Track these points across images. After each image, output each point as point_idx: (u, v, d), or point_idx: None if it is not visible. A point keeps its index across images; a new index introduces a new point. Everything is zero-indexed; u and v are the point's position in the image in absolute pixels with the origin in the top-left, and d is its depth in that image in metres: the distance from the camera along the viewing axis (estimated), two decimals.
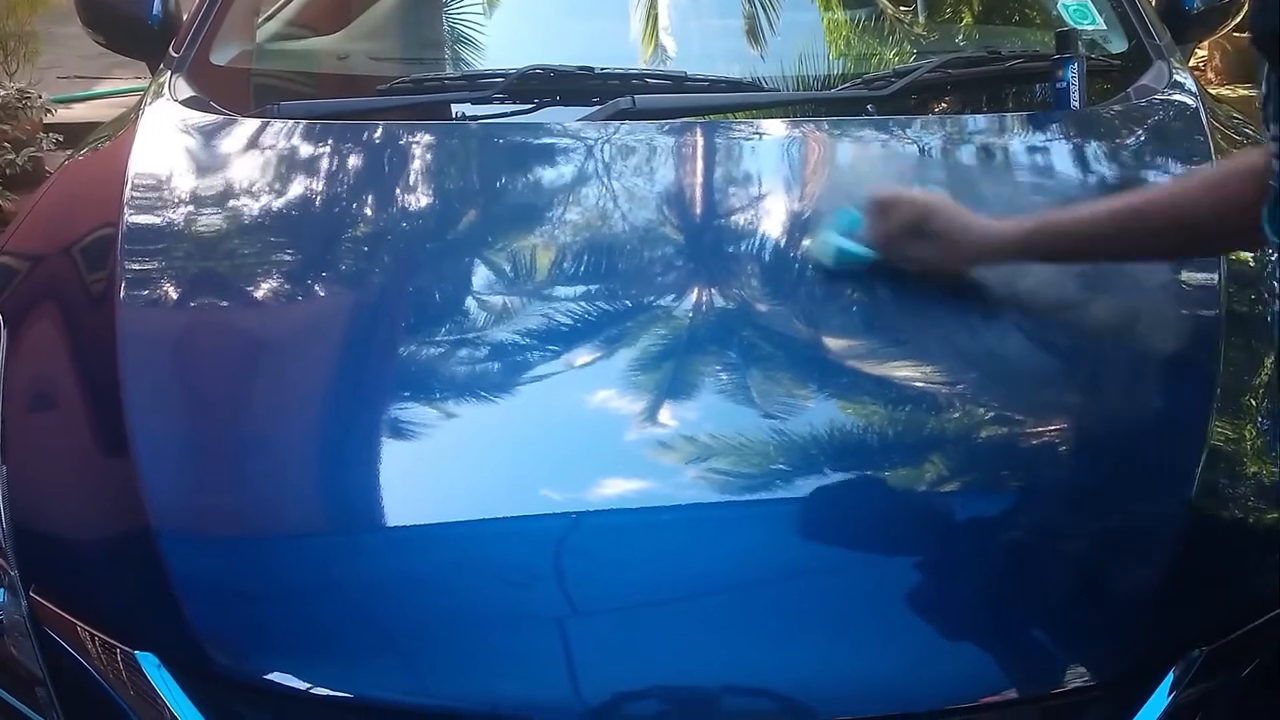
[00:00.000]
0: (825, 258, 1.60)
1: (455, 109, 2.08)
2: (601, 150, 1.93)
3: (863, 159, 1.97)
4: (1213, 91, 4.04)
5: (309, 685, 1.19)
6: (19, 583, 1.31)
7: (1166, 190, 1.54)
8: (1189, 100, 2.07)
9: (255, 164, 1.98)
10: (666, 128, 1.95)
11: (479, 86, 2.06)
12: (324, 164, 1.98)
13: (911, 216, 1.56)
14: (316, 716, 1.20)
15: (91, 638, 1.25)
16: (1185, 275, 1.67)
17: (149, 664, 1.21)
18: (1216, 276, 1.62)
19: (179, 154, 1.98)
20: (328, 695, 1.19)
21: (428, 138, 2.03)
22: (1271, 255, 1.35)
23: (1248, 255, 1.68)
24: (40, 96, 4.79)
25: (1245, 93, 5.81)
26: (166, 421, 1.43)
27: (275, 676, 1.19)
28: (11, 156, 4.50)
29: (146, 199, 1.82)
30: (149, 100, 2.14)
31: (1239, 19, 2.65)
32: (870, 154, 1.93)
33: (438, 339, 1.59)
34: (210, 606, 1.24)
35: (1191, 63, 5.88)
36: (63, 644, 1.27)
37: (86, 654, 1.26)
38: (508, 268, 1.76)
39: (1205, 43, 5.74)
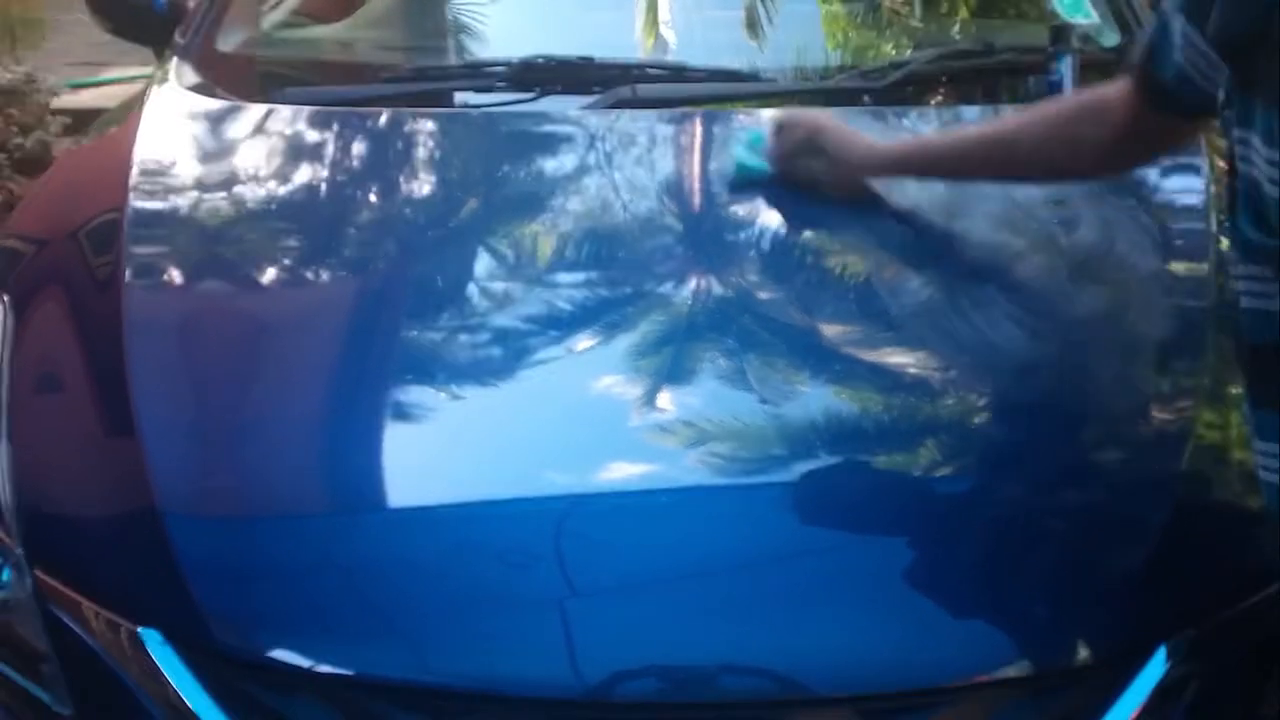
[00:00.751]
0: (730, 171, 1.79)
1: (458, 97, 2.10)
2: (602, 138, 1.95)
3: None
4: None
5: (312, 663, 1.21)
6: (24, 561, 1.32)
7: (1029, 121, 1.61)
8: None
9: (260, 150, 1.99)
10: (667, 116, 1.97)
11: (482, 75, 2.08)
12: (328, 151, 1.99)
13: (804, 134, 1.72)
14: (319, 694, 1.22)
15: (96, 615, 1.27)
16: (1175, 263, 1.69)
17: (153, 641, 1.23)
18: (1206, 265, 1.64)
19: (184, 140, 2.00)
20: (330, 673, 1.20)
21: (431, 125, 2.05)
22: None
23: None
24: (47, 80, 4.80)
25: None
26: (171, 402, 1.45)
27: (278, 654, 1.21)
28: (20, 140, 4.50)
29: (151, 184, 1.84)
30: (154, 86, 2.15)
31: None
32: None
33: (440, 324, 1.61)
34: (214, 585, 1.25)
35: None
36: (67, 621, 1.29)
37: (91, 631, 1.27)
38: (510, 254, 1.78)
39: None
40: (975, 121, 1.91)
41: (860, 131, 1.75)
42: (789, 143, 1.74)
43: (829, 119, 1.77)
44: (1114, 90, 1.42)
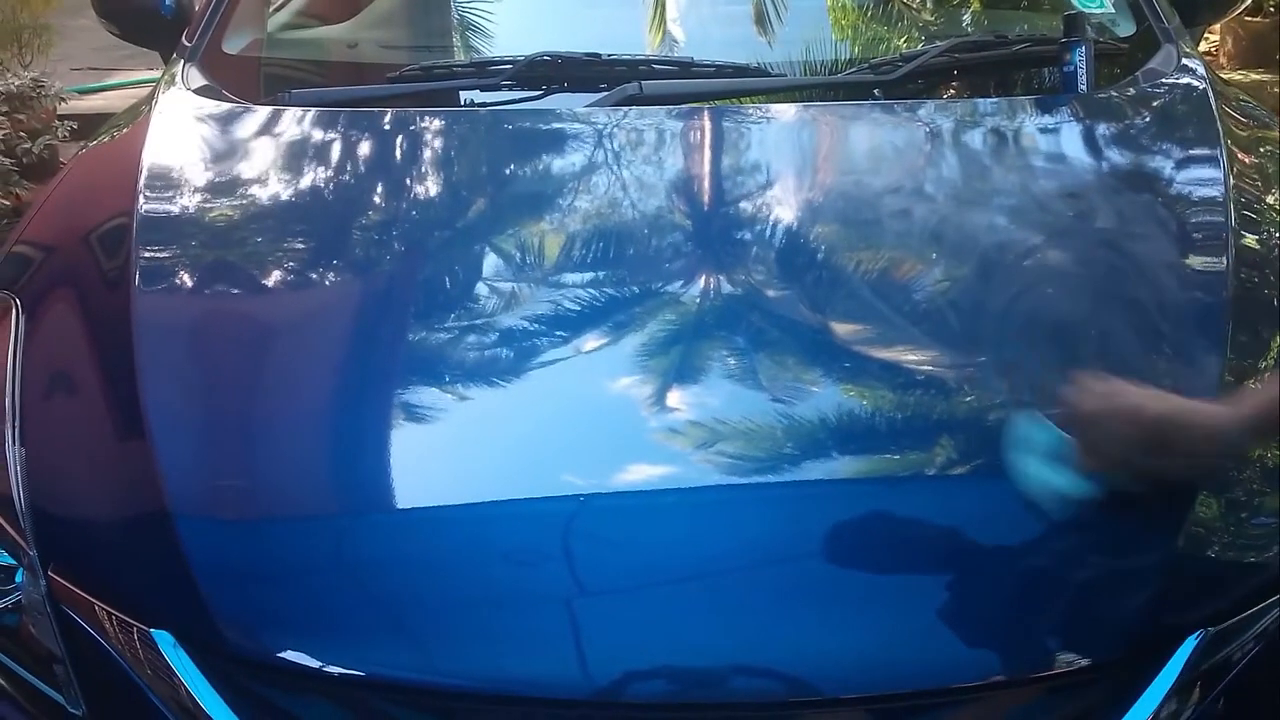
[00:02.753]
0: (1032, 493, 1.27)
1: (464, 95, 2.10)
2: (610, 136, 1.95)
3: (868, 143, 1.98)
4: (1224, 76, 4.02)
5: (322, 663, 1.20)
6: (38, 563, 1.33)
7: None
8: (1197, 84, 2.07)
9: (267, 151, 1.99)
10: (674, 113, 1.96)
11: (488, 73, 2.07)
12: (335, 151, 1.99)
13: (1140, 429, 1.26)
14: (330, 695, 1.22)
15: (109, 616, 1.27)
16: (1193, 259, 1.68)
17: (165, 642, 1.23)
18: (1224, 260, 1.63)
19: (192, 142, 2.00)
20: (341, 673, 1.20)
21: (438, 124, 2.05)
22: None
23: (1254, 239, 1.69)
24: (54, 85, 4.81)
25: (1258, 77, 5.79)
26: (182, 405, 1.45)
27: (289, 655, 1.21)
28: (27, 145, 4.51)
29: (161, 186, 1.84)
30: (162, 89, 2.16)
31: (1247, 3, 2.64)
32: (877, 138, 1.94)
33: (449, 324, 1.60)
34: (225, 586, 1.25)
35: (1203, 47, 5.86)
36: (80, 622, 1.29)
37: (104, 632, 1.28)
38: (518, 254, 1.77)
39: (1216, 27, 5.72)
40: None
41: (1184, 399, 1.34)
42: (1114, 445, 1.27)
43: (1159, 398, 1.32)
44: None
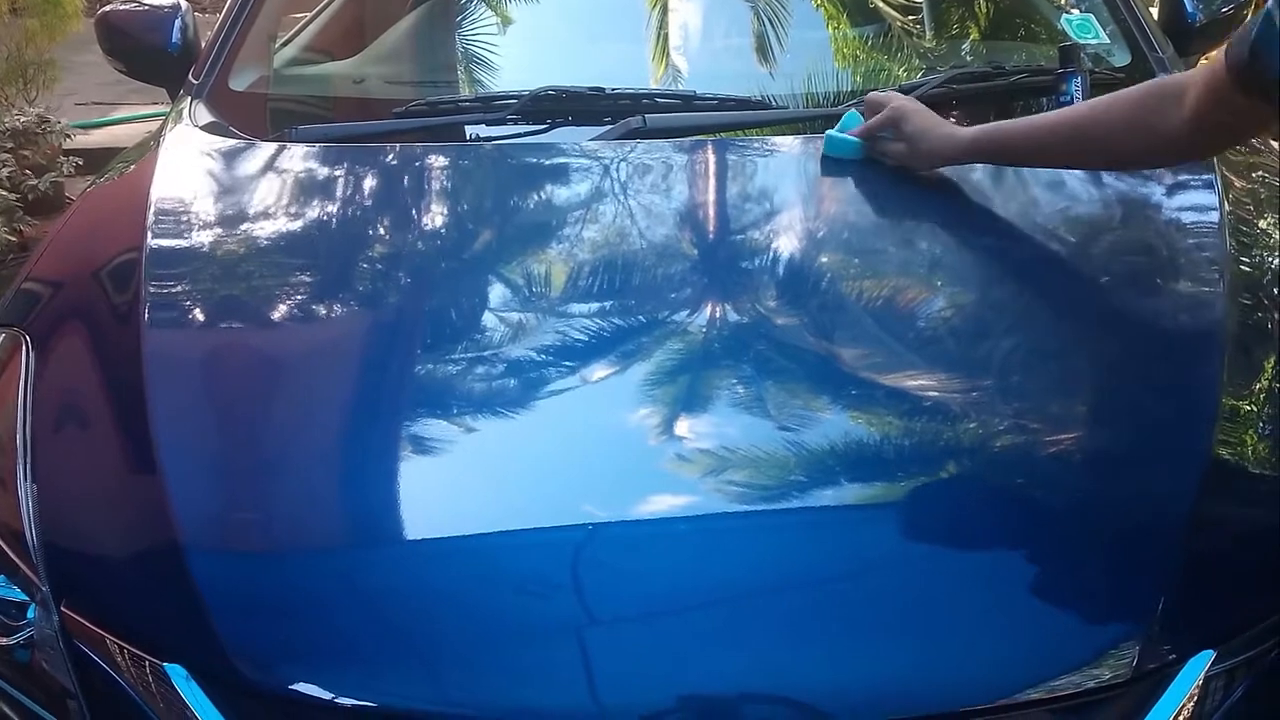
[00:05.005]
0: (824, 147, 1.92)
1: (469, 130, 2.11)
2: (614, 169, 1.96)
3: (869, 174, 1.99)
4: None
5: (335, 695, 1.21)
6: (50, 598, 1.33)
7: (1104, 107, 1.67)
8: None
9: (275, 187, 2.01)
10: (677, 146, 1.98)
11: (492, 108, 2.09)
12: (342, 186, 2.01)
13: (889, 117, 1.84)
14: None
15: (121, 650, 1.27)
16: (1189, 284, 1.69)
17: (178, 676, 1.23)
18: (1221, 285, 1.64)
19: (200, 178, 2.02)
20: (353, 705, 1.21)
21: (443, 159, 2.06)
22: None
23: (1249, 263, 1.71)
24: (60, 122, 4.84)
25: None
26: (193, 439, 1.46)
27: (302, 687, 1.22)
28: (33, 182, 4.53)
29: (169, 223, 1.86)
30: (169, 126, 2.18)
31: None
32: (877, 169, 1.96)
33: (459, 356, 1.61)
34: (237, 619, 1.26)
35: None
36: (93, 657, 1.29)
37: (116, 667, 1.28)
38: (524, 286, 1.78)
39: (1210, 55, 5.74)
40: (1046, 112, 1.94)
41: (939, 118, 1.84)
42: (874, 123, 1.86)
43: (913, 103, 1.86)
44: (1194, 77, 1.47)
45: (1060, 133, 1.71)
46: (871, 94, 1.93)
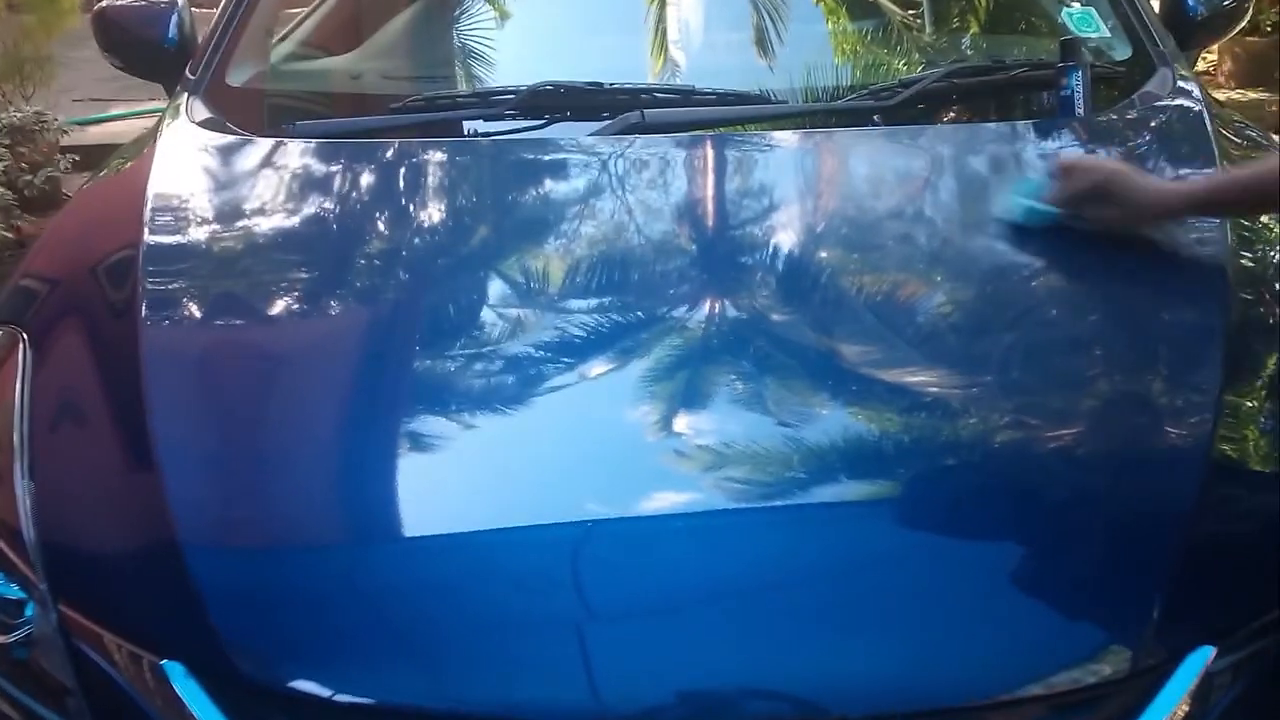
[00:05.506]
0: (1015, 216, 1.76)
1: (467, 126, 2.11)
2: (612, 164, 1.96)
3: (869, 168, 1.99)
4: (1222, 96, 4.04)
5: (334, 692, 1.21)
6: (48, 596, 1.33)
7: None
8: (1193, 105, 2.09)
9: (272, 183, 2.00)
10: (675, 141, 1.98)
11: (490, 103, 2.09)
12: (339, 182, 2.00)
13: (1097, 180, 1.73)
14: None
15: (119, 648, 1.28)
16: (1191, 280, 1.69)
17: (176, 673, 1.23)
18: (1223, 281, 1.65)
19: (197, 174, 2.01)
20: (352, 702, 1.21)
21: (441, 155, 2.06)
22: None
23: (1250, 259, 1.71)
24: (56, 119, 4.83)
25: (1257, 96, 5.81)
26: (190, 435, 1.46)
27: (300, 684, 1.22)
28: (30, 178, 4.53)
29: (166, 219, 1.85)
30: (166, 122, 2.17)
31: (1244, 24, 2.66)
32: (876, 163, 1.96)
33: (457, 352, 1.61)
34: (236, 616, 1.26)
35: (1202, 67, 5.88)
36: (92, 654, 1.29)
37: (115, 664, 1.28)
38: (523, 282, 1.78)
39: (1214, 47, 5.75)
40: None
41: (1144, 174, 1.79)
42: (1078, 188, 1.73)
43: (1117, 165, 1.80)
44: None
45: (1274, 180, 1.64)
46: (1065, 158, 1.81)
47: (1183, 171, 1.94)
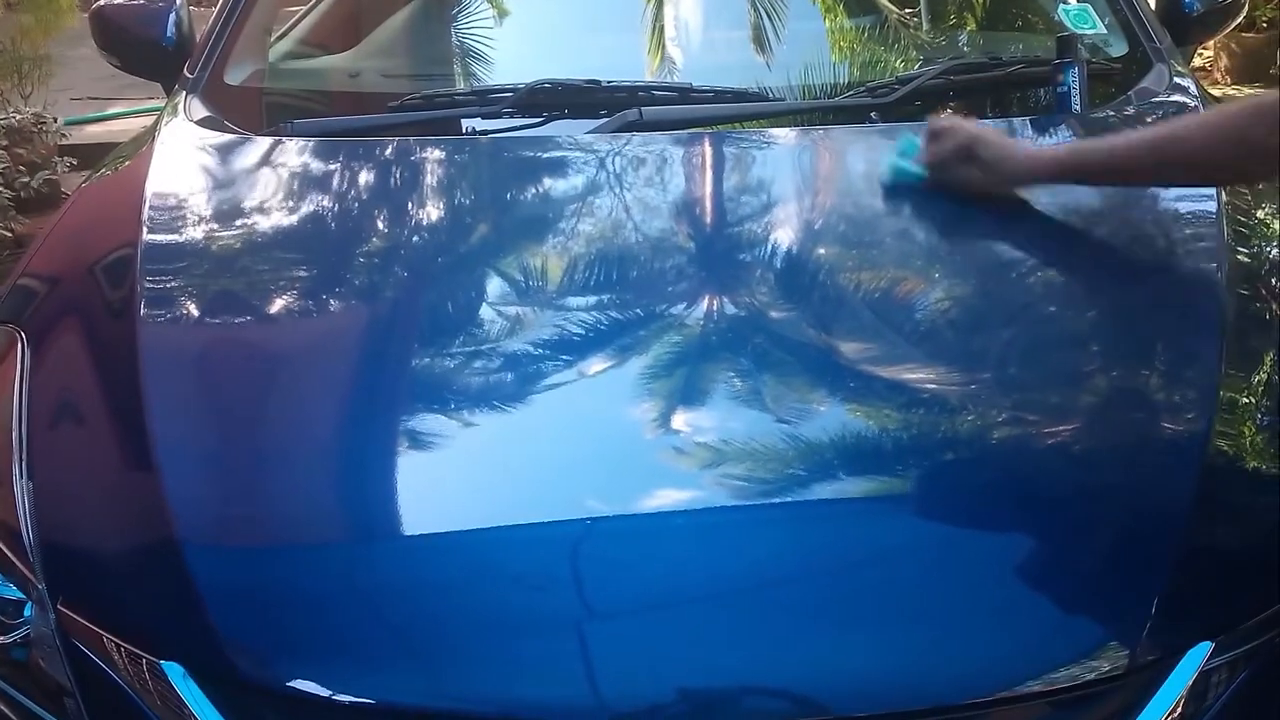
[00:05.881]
0: (883, 175, 1.83)
1: (465, 124, 2.10)
2: (610, 162, 1.96)
3: (866, 165, 1.99)
4: (1218, 93, 4.04)
5: (334, 691, 1.21)
6: (46, 596, 1.33)
7: (1194, 125, 1.70)
8: (1189, 102, 2.09)
9: (270, 181, 2.01)
10: (674, 138, 1.98)
11: (488, 101, 2.08)
12: (338, 180, 2.00)
13: (961, 141, 1.76)
14: None
15: (118, 648, 1.27)
16: (1187, 273, 1.69)
17: (175, 674, 1.23)
18: (1219, 275, 1.65)
19: (196, 173, 2.01)
20: (353, 701, 1.20)
21: (439, 153, 2.06)
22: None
23: (1246, 253, 1.71)
24: (55, 120, 4.82)
25: (1252, 92, 5.82)
26: (189, 434, 1.46)
27: (300, 683, 1.21)
28: (27, 180, 4.52)
29: (164, 218, 1.85)
30: (165, 121, 2.17)
31: (1239, 20, 2.66)
32: (874, 160, 1.95)
33: (455, 350, 1.61)
34: (235, 615, 1.26)
35: (1198, 63, 5.88)
36: (90, 655, 1.29)
37: (113, 665, 1.28)
38: (521, 279, 1.78)
39: (1211, 43, 5.75)
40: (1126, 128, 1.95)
41: (1016, 139, 1.84)
42: (944, 150, 1.78)
43: (985, 128, 1.82)
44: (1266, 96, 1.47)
45: (1148, 149, 1.69)
46: (932, 120, 1.86)
47: (1050, 140, 1.98)
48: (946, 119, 1.88)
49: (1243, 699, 1.26)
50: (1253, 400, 1.50)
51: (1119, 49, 2.24)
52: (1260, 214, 1.86)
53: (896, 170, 1.81)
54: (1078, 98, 2.00)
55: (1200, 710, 1.23)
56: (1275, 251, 1.81)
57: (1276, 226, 1.86)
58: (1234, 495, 1.40)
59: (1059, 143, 1.91)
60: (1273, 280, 1.74)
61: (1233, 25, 2.71)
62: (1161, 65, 2.16)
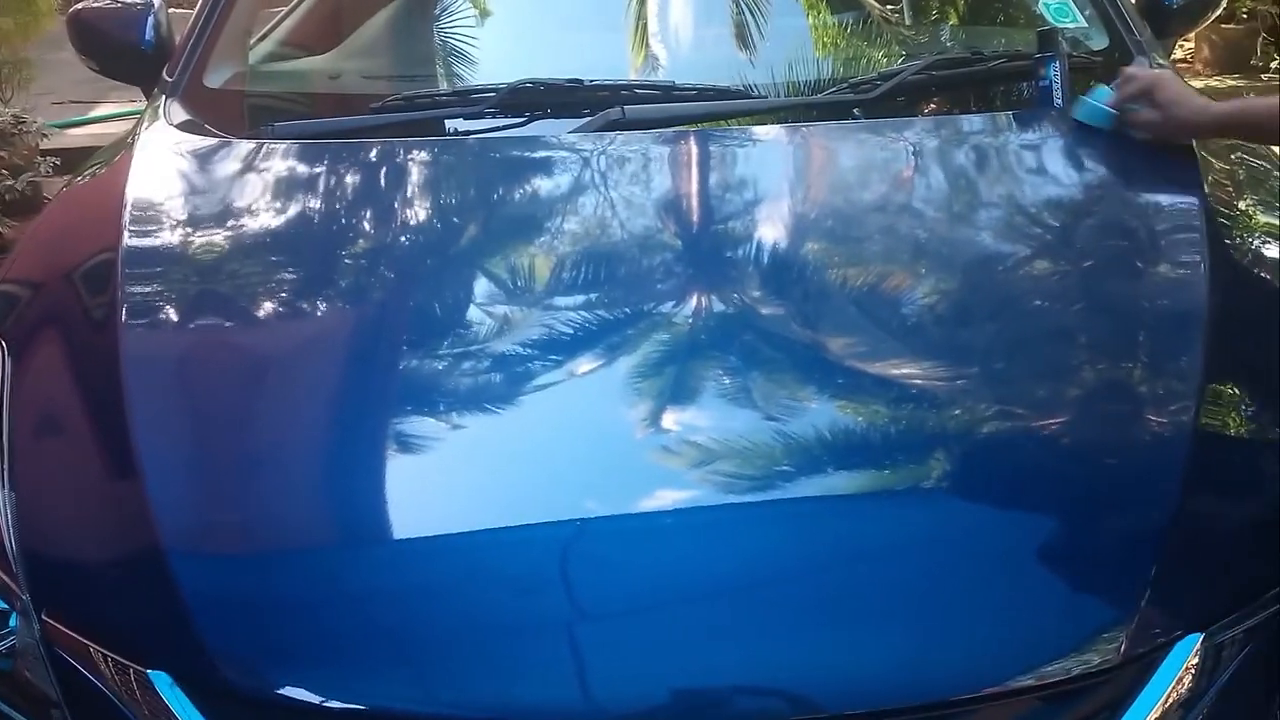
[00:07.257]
0: (1077, 113, 1.94)
1: (448, 124, 2.10)
2: (594, 161, 1.95)
3: (849, 161, 1.99)
4: (1197, 84, 4.05)
5: (322, 699, 1.20)
6: (31, 606, 1.32)
7: None
8: None
9: (251, 185, 1.99)
10: (656, 137, 1.97)
11: (471, 101, 2.08)
12: (320, 183, 1.99)
13: (1146, 84, 1.88)
14: None
15: (104, 658, 1.27)
16: (1170, 264, 1.70)
17: (162, 683, 1.23)
18: (1201, 265, 1.65)
19: (175, 177, 2.00)
20: (343, 708, 1.20)
21: (422, 154, 2.05)
22: None
23: (1229, 243, 1.72)
24: (36, 121, 4.79)
25: (1234, 83, 5.83)
26: (173, 441, 1.45)
27: (288, 691, 1.21)
28: (10, 182, 4.49)
29: (145, 222, 1.84)
30: (144, 125, 2.16)
31: (1219, 12, 2.67)
32: (857, 156, 1.95)
33: (441, 353, 1.60)
34: (221, 624, 1.25)
35: (1180, 55, 5.89)
36: (76, 666, 1.28)
37: (100, 675, 1.27)
38: (506, 280, 1.78)
39: (1191, 35, 5.77)
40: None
41: (1194, 90, 1.91)
42: (1130, 91, 1.88)
43: (1167, 73, 1.95)
44: None
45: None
46: (1127, 68, 1.96)
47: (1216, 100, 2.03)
48: (1136, 67, 1.99)
49: (1233, 688, 1.27)
50: (1238, 392, 1.51)
51: (1100, 42, 2.24)
52: (1242, 205, 1.86)
53: (1088, 110, 1.91)
54: (1059, 91, 2.00)
55: (1191, 700, 1.24)
56: (1258, 243, 1.82)
57: (1259, 218, 1.86)
58: (1221, 487, 1.41)
59: (1234, 101, 2.01)
60: (1257, 271, 1.74)
61: (1212, 17, 2.72)
62: (1142, 58, 2.17)
